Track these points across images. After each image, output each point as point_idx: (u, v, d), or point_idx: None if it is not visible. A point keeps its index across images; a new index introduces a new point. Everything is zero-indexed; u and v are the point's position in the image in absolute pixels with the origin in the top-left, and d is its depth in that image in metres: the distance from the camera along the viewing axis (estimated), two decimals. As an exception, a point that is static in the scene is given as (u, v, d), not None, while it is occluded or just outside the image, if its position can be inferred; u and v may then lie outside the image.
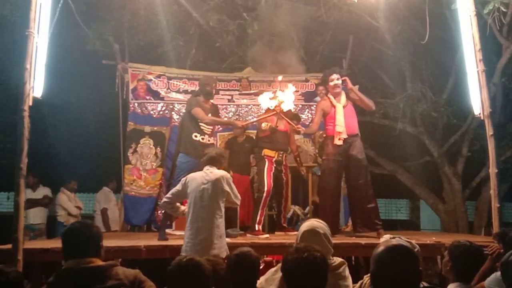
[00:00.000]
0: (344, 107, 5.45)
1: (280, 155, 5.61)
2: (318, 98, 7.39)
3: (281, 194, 5.72)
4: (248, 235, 5.36)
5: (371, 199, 5.35)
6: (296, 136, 6.74)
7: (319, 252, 2.09)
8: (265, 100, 5.50)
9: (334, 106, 5.44)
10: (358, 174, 5.36)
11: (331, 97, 5.53)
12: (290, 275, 2.07)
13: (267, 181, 5.42)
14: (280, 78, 5.83)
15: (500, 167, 4.19)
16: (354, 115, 5.50)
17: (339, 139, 5.34)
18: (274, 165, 5.54)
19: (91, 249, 2.28)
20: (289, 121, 5.49)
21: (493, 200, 4.04)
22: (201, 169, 4.28)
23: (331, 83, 5.50)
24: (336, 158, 5.41)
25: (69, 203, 7.41)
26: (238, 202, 4.30)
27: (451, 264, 2.70)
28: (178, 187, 4.24)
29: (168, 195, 4.34)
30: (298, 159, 5.98)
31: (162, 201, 4.36)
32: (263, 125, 5.50)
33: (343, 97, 5.49)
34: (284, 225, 5.77)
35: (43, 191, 7.47)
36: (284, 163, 5.69)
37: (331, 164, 5.46)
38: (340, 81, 5.47)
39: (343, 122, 5.36)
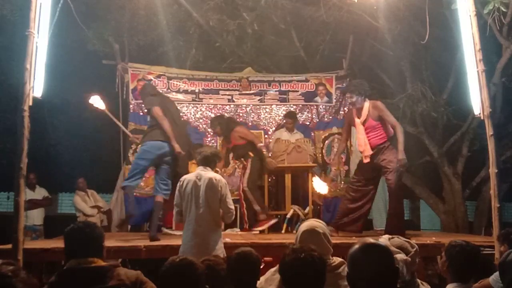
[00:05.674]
0: (364, 122, 5.31)
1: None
2: (318, 98, 7.43)
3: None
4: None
5: (395, 205, 5.31)
6: (297, 136, 6.80)
7: (316, 252, 2.09)
8: None
9: (355, 121, 5.41)
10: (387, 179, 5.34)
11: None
12: (288, 276, 2.07)
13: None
14: None
15: (500, 167, 4.17)
16: (377, 126, 5.30)
17: (365, 157, 5.32)
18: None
19: (93, 249, 2.27)
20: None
21: (493, 200, 4.03)
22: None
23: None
24: (361, 172, 5.49)
25: (83, 204, 7.32)
26: (231, 215, 4.13)
27: (447, 264, 2.70)
28: (177, 193, 4.14)
29: (175, 205, 4.19)
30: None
31: (174, 213, 4.29)
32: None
33: (364, 110, 5.33)
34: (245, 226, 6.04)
35: (41, 192, 7.48)
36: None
37: (356, 175, 5.57)
38: (354, 99, 5.34)
39: (362, 141, 5.32)
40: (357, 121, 5.34)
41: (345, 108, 7.24)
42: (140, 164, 5.29)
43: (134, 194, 6.79)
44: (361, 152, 5.41)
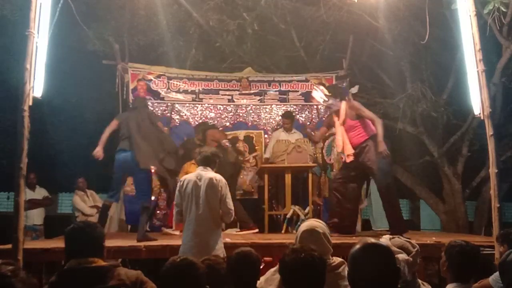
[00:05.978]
0: (343, 123, 5.39)
1: None
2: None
3: None
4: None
5: (389, 204, 5.37)
6: (295, 136, 6.81)
7: (316, 252, 2.09)
8: None
9: (335, 123, 5.48)
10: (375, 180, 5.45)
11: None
12: (288, 276, 2.07)
13: None
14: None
15: (500, 167, 4.17)
16: (355, 125, 5.37)
17: (347, 156, 5.37)
18: None
19: (94, 249, 2.27)
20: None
21: (493, 200, 4.03)
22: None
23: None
24: (344, 170, 5.56)
25: (82, 204, 7.28)
26: (231, 215, 4.10)
27: (447, 264, 2.70)
28: (177, 193, 4.13)
29: (175, 205, 4.19)
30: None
31: (174, 213, 4.28)
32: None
33: (341, 112, 5.41)
34: None
35: (41, 192, 7.47)
36: None
37: (339, 174, 5.64)
38: (329, 101, 5.49)
39: (341, 141, 5.40)
40: (337, 122, 5.42)
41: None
42: (114, 178, 5.39)
43: (133, 194, 6.82)
44: (342, 153, 5.47)
